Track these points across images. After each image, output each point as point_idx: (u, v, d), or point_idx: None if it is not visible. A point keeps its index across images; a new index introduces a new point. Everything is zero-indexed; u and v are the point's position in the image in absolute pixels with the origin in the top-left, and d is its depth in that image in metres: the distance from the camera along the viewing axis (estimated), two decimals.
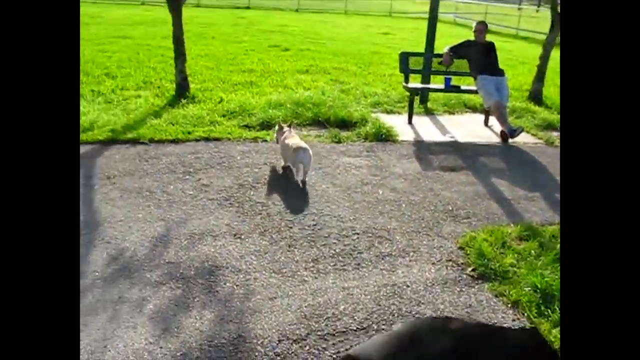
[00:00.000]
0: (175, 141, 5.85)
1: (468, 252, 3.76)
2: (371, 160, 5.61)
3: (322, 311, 3.02)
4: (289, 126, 5.32)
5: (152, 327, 2.82)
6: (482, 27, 7.18)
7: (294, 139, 5.03)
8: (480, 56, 7.02)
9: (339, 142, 6.15)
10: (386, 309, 3.07)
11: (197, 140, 5.91)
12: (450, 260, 3.67)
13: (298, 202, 4.45)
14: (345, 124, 6.79)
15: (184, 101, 7.37)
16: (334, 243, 3.81)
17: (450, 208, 4.51)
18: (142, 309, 2.97)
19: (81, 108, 6.90)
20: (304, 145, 4.85)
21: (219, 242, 3.75)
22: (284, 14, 28.71)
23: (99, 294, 3.09)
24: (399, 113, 7.66)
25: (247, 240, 3.80)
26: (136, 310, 2.96)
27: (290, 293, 3.18)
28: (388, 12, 34.81)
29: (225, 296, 3.12)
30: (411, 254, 3.72)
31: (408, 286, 3.31)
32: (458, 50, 7.16)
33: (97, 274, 3.29)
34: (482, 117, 7.54)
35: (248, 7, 32.26)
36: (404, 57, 7.45)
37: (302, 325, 2.89)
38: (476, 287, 3.36)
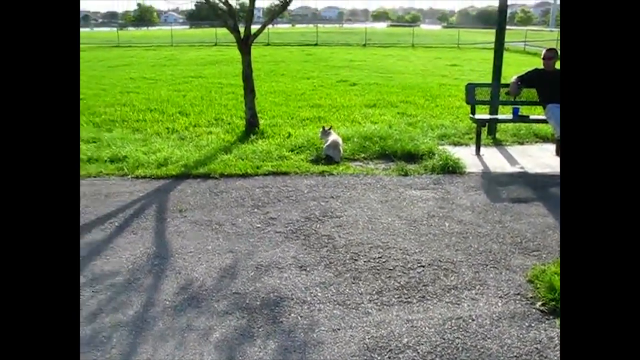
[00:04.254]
0: (244, 175, 6.03)
1: (538, 285, 3.64)
2: (438, 192, 5.57)
3: (385, 343, 3.01)
4: (330, 129, 7.03)
5: (217, 356, 2.90)
6: (551, 54, 7.03)
7: (331, 136, 6.85)
8: (549, 84, 6.87)
9: (405, 174, 6.15)
10: (450, 342, 3.02)
11: (265, 175, 6.07)
12: (518, 294, 3.57)
13: (364, 235, 4.48)
14: (412, 157, 6.79)
15: (253, 137, 7.61)
16: (399, 276, 3.80)
17: (520, 240, 4.40)
18: (208, 338, 3.06)
19: (157, 145, 7.25)
20: (334, 141, 6.73)
21: (284, 274, 3.81)
22: (352, 49, 29.16)
23: (169, 322, 3.21)
24: (466, 145, 7.58)
25: (312, 272, 3.84)
26: (203, 339, 3.05)
27: (353, 325, 3.19)
28: (456, 43, 34.70)
29: (289, 327, 3.17)
30: (477, 287, 3.65)
31: (474, 320, 3.25)
32: (526, 80, 7.05)
33: (167, 302, 3.43)
34: (553, 146, 7.35)
35: (316, 44, 33.03)
36: (471, 88, 7.41)
37: (365, 358, 2.88)
38: (546, 322, 3.24)
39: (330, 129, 7.05)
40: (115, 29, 53.95)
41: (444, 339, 3.05)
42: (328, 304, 3.43)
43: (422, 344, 3.00)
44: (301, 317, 3.27)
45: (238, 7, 8.73)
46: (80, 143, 7.47)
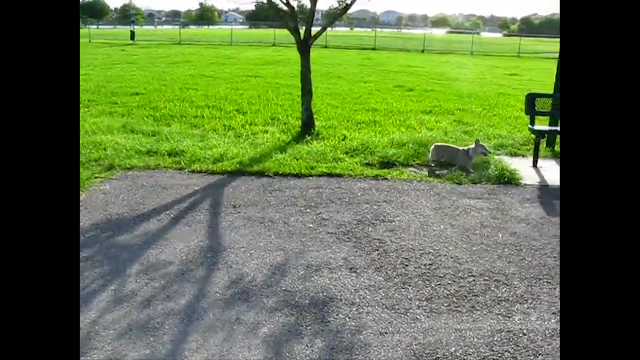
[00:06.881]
0: (298, 176, 6.09)
1: None
2: (492, 203, 5.48)
3: (433, 351, 2.99)
4: (479, 142, 6.73)
5: (265, 350, 2.94)
6: None
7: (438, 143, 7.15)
8: None
9: (460, 183, 6.07)
10: (500, 355, 2.97)
11: (319, 176, 6.11)
12: None
13: (415, 241, 4.45)
14: None
15: (308, 138, 7.67)
16: (449, 284, 3.76)
17: None
18: (257, 332, 3.11)
19: (214, 141, 7.40)
20: (436, 144, 7.00)
21: (335, 275, 3.83)
22: (410, 55, 28.98)
23: (219, 314, 3.28)
24: (523, 156, 7.44)
25: (362, 275, 3.85)
26: (252, 333, 3.10)
27: (401, 330, 3.18)
28: (517, 52, 34.00)
29: (337, 327, 3.18)
30: (530, 301, 3.58)
31: (525, 334, 3.18)
32: None
33: (218, 295, 3.50)
34: None
35: (374, 49, 32.97)
36: (531, 99, 7.25)
37: None
38: None
39: (477, 141, 6.76)
40: (177, 27, 55.38)
41: (493, 351, 3.01)
42: (377, 307, 3.43)
43: (470, 355, 2.97)
44: (349, 318, 3.29)
45: (298, 9, 8.80)
46: (141, 136, 7.70)
